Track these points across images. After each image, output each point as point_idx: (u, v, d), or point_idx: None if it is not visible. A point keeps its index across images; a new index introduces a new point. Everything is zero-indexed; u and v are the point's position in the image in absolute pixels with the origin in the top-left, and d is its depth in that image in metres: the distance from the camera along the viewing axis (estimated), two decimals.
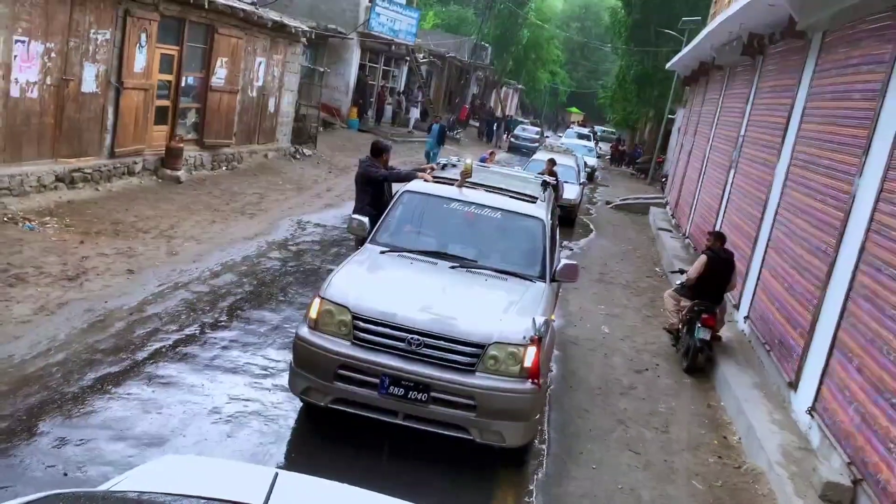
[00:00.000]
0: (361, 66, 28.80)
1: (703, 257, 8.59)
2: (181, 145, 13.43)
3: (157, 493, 2.14)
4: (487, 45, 43.77)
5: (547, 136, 42.97)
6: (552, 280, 6.30)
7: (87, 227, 9.71)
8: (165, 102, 13.42)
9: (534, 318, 5.20)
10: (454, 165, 7.91)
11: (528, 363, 5.07)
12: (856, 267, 6.24)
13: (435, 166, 7.97)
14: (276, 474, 2.34)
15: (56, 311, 6.83)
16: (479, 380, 5.00)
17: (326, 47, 25.13)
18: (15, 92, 9.75)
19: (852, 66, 7.57)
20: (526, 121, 50.52)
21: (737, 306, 10.01)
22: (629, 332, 9.78)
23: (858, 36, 7.54)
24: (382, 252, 6.18)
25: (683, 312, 8.69)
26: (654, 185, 30.09)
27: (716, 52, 15.94)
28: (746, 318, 9.49)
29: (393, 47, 30.32)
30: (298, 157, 18.90)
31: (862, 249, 6.21)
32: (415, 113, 32.55)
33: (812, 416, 6.43)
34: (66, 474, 4.42)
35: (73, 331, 6.47)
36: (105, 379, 5.71)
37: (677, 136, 26.70)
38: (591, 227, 18.05)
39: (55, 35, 10.23)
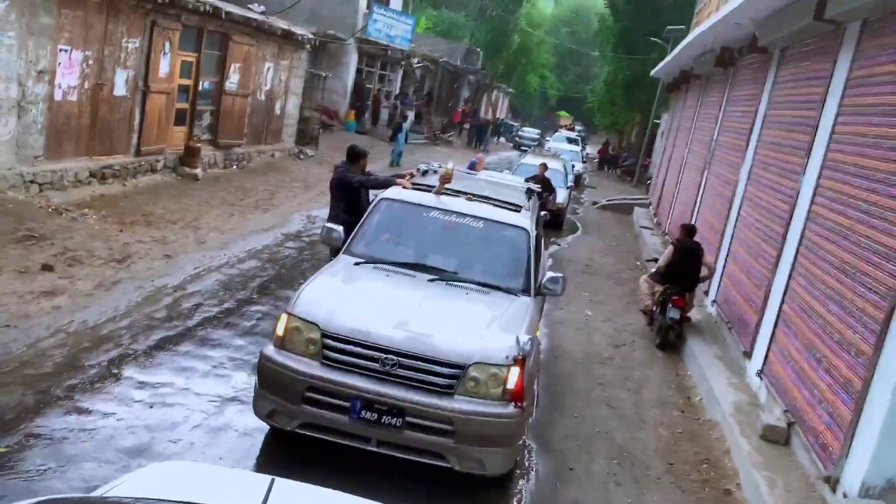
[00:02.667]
0: (359, 71, 29.86)
1: (671, 247, 9.77)
2: (199, 145, 14.48)
3: (152, 499, 2.15)
4: (479, 49, 44.94)
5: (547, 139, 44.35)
6: (537, 293, 6.04)
7: (121, 217, 10.75)
8: (184, 105, 14.48)
9: (517, 337, 4.92)
10: (435, 171, 7.43)
11: (511, 385, 4.79)
12: (797, 251, 7.40)
13: (415, 172, 7.47)
14: (273, 480, 2.33)
15: (112, 287, 7.90)
16: (458, 403, 4.70)
17: (326, 52, 26.21)
18: (58, 96, 10.78)
19: (801, 79, 8.75)
20: (516, 124, 52.36)
21: (707, 293, 11.17)
22: (610, 315, 10.91)
23: (806, 53, 8.72)
24: (357, 263, 5.83)
25: (657, 296, 9.84)
26: (640, 187, 31.29)
27: (694, 63, 17.16)
28: (714, 302, 10.66)
29: (389, 52, 31.39)
30: (302, 156, 19.96)
31: (802, 236, 7.37)
32: (410, 116, 33.54)
33: (761, 377, 7.59)
34: (151, 406, 5.51)
35: (131, 303, 7.54)
36: (166, 339, 6.79)
37: (661, 139, 27.91)
38: (578, 225, 19.20)
39: (92, 44, 11.27)
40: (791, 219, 7.83)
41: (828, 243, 6.65)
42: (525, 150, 29.30)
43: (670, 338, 9.55)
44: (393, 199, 6.52)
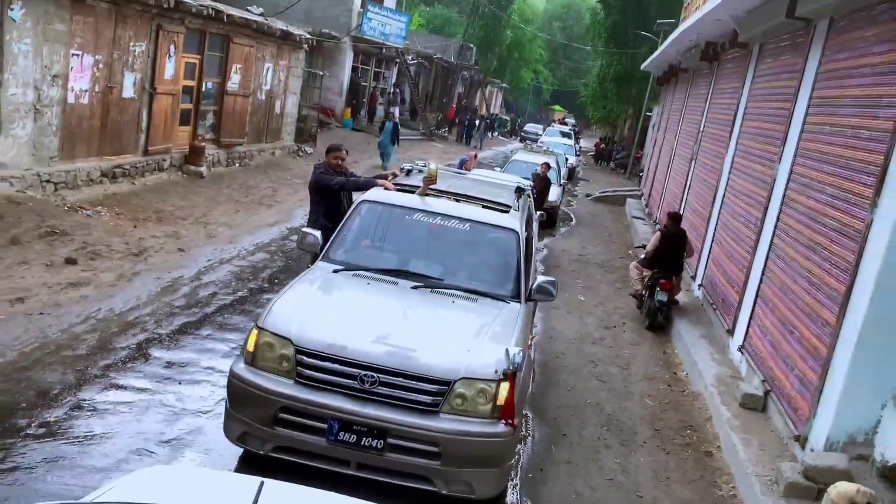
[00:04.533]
0: (354, 69, 30.34)
1: (658, 234, 10.31)
2: (203, 144, 14.98)
3: None
4: (472, 45, 45.41)
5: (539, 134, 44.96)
6: (528, 299, 5.75)
7: (134, 214, 11.26)
8: (188, 105, 14.96)
9: (507, 349, 4.60)
10: (420, 171, 7.00)
11: (500, 401, 4.50)
12: (773, 233, 7.94)
13: (397, 172, 7.17)
14: (262, 483, 2.32)
15: (132, 278, 8.40)
16: (443, 422, 4.42)
17: (321, 51, 26.67)
18: (71, 99, 11.27)
19: (778, 73, 9.28)
20: (508, 118, 53.47)
21: (693, 277, 11.72)
22: (602, 300, 11.45)
23: (781, 48, 9.25)
24: (335, 271, 5.51)
25: (645, 280, 10.38)
26: (633, 179, 31.82)
27: (681, 57, 17.69)
28: (700, 285, 11.21)
29: (383, 50, 31.87)
30: (301, 154, 20.45)
31: (777, 219, 7.90)
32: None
33: (742, 352, 8.13)
34: (180, 383, 6.02)
35: (151, 293, 8.05)
36: (187, 324, 7.31)
37: (652, 132, 28.45)
38: (572, 216, 19.73)
39: (102, 48, 11.76)
40: (768, 204, 8.36)
41: (799, 225, 7.19)
42: (531, 145, 29.77)
43: (658, 319, 10.08)
44: (374, 202, 6.15)
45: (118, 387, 5.78)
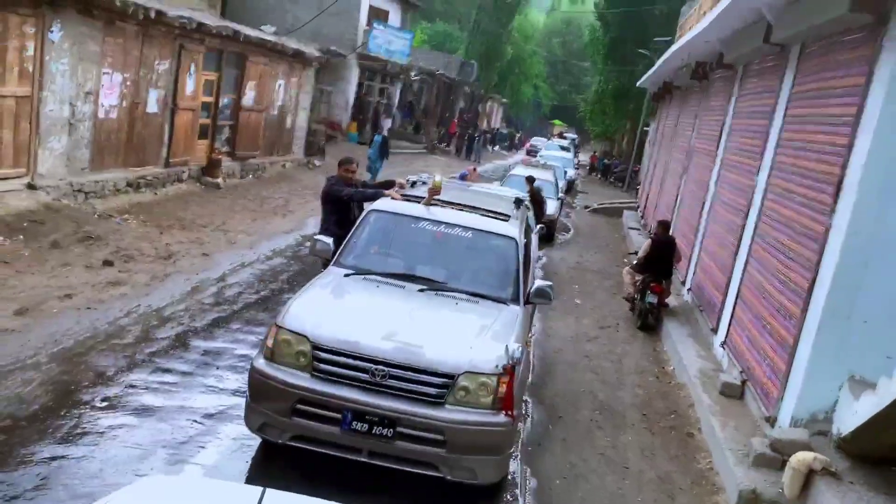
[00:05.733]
0: (359, 84, 31.22)
1: (648, 241, 11.09)
2: (220, 157, 15.79)
3: None
4: (473, 61, 46.41)
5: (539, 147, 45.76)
6: (527, 302, 6.15)
7: (158, 222, 12.03)
8: (206, 120, 15.79)
9: (507, 346, 4.99)
10: (424, 183, 7.57)
11: (501, 394, 4.88)
12: (752, 239, 8.70)
13: (404, 183, 7.59)
14: (264, 492, 2.34)
15: (164, 279, 9.16)
16: (448, 413, 4.78)
17: (328, 68, 27.53)
18: (101, 114, 12.09)
19: (758, 92, 10.07)
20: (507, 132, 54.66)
21: (683, 282, 12.46)
22: (598, 303, 12.19)
23: (761, 70, 10.05)
24: (347, 275, 5.89)
25: (637, 284, 11.13)
26: (630, 192, 32.61)
27: (674, 75, 18.52)
28: (689, 290, 11.95)
29: (388, 66, 32.75)
30: (311, 166, 21.26)
31: (756, 226, 8.66)
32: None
33: (724, 348, 8.86)
34: (217, 367, 6.77)
35: (183, 292, 8.80)
36: (218, 319, 8.06)
37: (649, 146, 29.28)
38: (571, 227, 20.50)
39: (130, 67, 12.58)
40: (748, 213, 9.12)
41: (773, 231, 7.95)
42: (529, 159, 30.38)
43: (649, 320, 10.82)
44: (382, 211, 6.55)
45: (164, 370, 6.53)
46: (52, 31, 10.58)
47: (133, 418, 5.57)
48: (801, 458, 5.65)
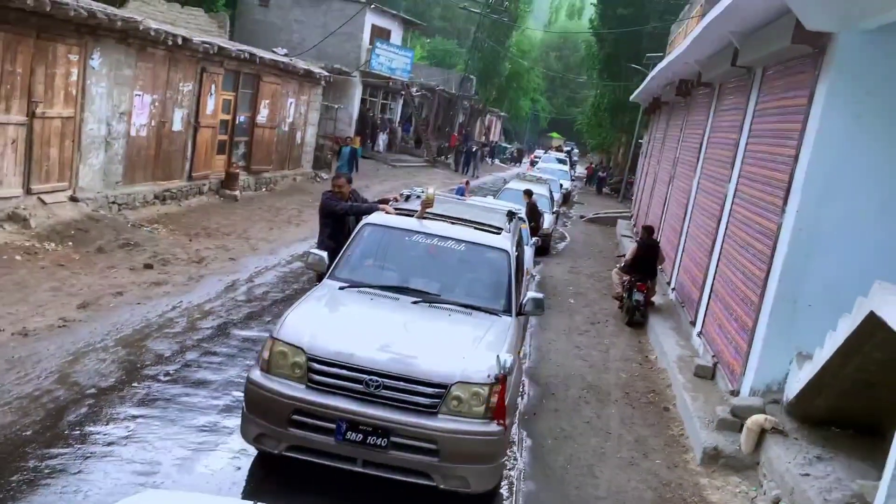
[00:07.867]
0: (363, 100, 32.44)
1: (634, 244, 12.17)
2: (237, 171, 16.91)
3: None
4: (472, 77, 47.67)
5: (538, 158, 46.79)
6: (519, 314, 6.22)
7: (186, 230, 13.12)
8: (224, 137, 16.93)
9: (498, 356, 5.07)
10: (418, 196, 7.55)
11: (492, 403, 4.94)
12: (723, 240, 9.79)
13: (398, 197, 7.73)
14: None
15: (200, 280, 10.24)
16: (441, 422, 4.84)
17: (333, 85, 28.73)
18: (133, 132, 13.21)
19: (730, 109, 11.19)
20: (510, 146, 55.45)
21: (668, 283, 13.54)
22: (589, 303, 13.26)
23: (732, 89, 11.18)
24: (341, 288, 5.95)
25: (625, 283, 12.20)
26: (625, 202, 33.74)
27: (662, 91, 19.68)
28: (673, 289, 13.03)
29: (390, 83, 33.99)
30: (319, 179, 22.40)
31: (726, 228, 9.75)
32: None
33: (700, 337, 9.93)
34: (255, 351, 7.81)
35: (218, 290, 9.88)
36: (251, 313, 9.14)
37: (642, 158, 30.41)
38: (567, 235, 21.60)
39: (158, 89, 13.72)
40: (721, 217, 10.21)
41: (739, 231, 9.04)
42: (524, 173, 31.17)
43: (636, 317, 11.88)
44: (376, 224, 6.65)
45: (211, 353, 7.60)
46: (93, 59, 11.71)
47: (192, 388, 6.63)
48: (754, 419, 6.73)
